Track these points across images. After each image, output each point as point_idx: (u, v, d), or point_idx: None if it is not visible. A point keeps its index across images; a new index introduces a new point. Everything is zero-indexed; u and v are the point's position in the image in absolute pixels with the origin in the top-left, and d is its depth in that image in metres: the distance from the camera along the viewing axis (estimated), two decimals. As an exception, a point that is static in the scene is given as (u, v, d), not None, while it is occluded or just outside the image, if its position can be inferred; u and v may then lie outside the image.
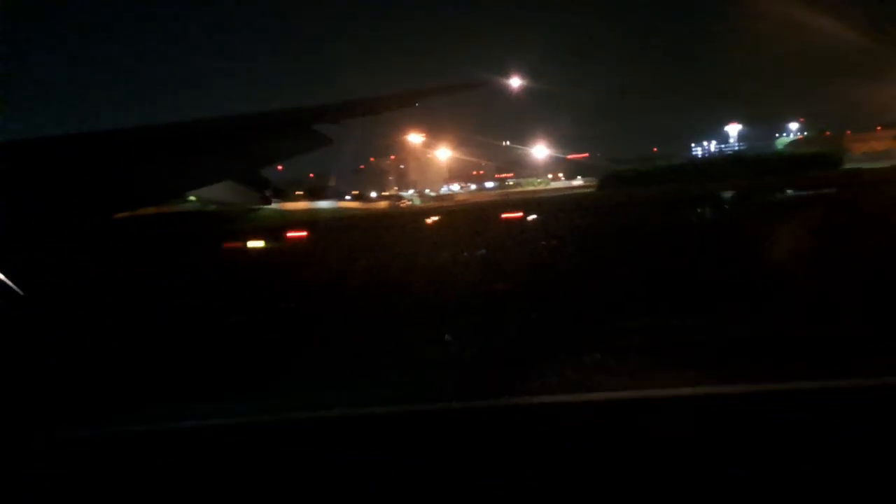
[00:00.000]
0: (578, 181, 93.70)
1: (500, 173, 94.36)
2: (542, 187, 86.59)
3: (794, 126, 77.41)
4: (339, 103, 6.32)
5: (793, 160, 39.89)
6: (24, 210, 3.78)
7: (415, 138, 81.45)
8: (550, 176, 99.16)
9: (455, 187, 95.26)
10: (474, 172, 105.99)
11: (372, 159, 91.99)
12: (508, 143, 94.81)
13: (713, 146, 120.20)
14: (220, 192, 5.86)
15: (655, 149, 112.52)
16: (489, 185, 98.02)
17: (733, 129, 72.43)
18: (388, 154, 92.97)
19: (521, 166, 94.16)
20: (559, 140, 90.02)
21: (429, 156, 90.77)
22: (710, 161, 51.79)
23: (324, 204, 55.05)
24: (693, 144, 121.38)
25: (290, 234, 24.54)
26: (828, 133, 66.15)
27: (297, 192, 57.68)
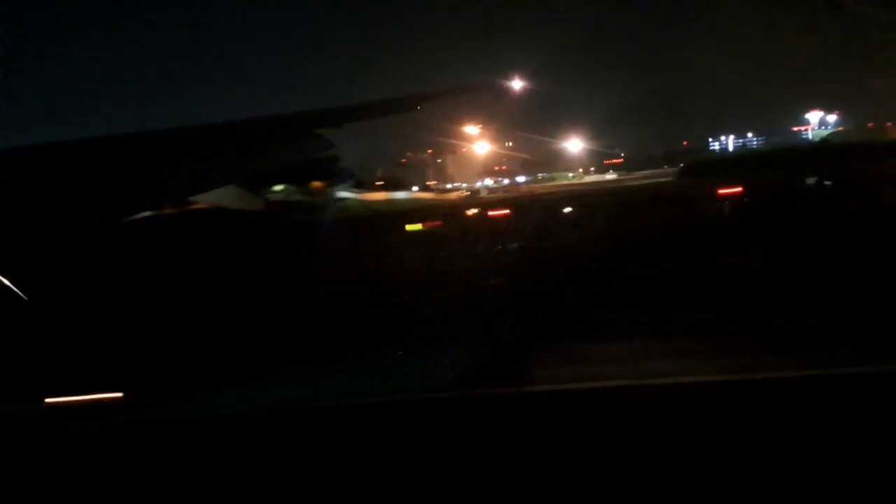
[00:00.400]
0: (611, 175, 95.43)
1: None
2: (576, 181, 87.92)
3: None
4: (341, 108, 6.35)
5: (879, 148, 41.40)
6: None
7: (452, 133, 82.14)
8: (581, 170, 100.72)
9: (488, 182, 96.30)
10: (496, 168, 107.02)
11: (409, 154, 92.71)
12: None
13: (731, 140, 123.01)
14: (221, 196, 5.80)
15: (685, 142, 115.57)
16: (521, 179, 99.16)
17: (814, 117, 73.81)
18: (426, 148, 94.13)
19: (556, 160, 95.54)
20: (585, 135, 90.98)
21: (464, 150, 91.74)
22: (789, 150, 53.03)
23: (400, 194, 55.93)
24: (710, 139, 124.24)
25: (492, 213, 25.57)
26: (870, 125, 68.04)
27: (377, 183, 58.88)
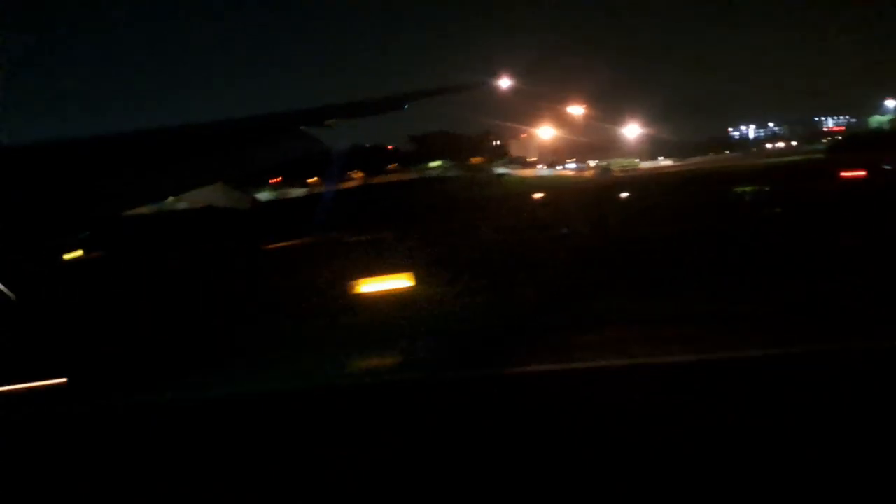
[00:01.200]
0: (664, 161, 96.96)
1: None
2: (629, 167, 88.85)
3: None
4: (322, 107, 6.51)
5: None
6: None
7: (510, 119, 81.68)
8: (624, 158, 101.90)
9: (540, 167, 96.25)
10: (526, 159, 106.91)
11: (471, 137, 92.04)
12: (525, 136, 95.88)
13: (752, 129, 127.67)
14: (208, 194, 5.93)
15: (728, 129, 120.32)
16: (571, 165, 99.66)
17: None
18: (485, 132, 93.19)
19: (612, 146, 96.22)
20: (638, 124, 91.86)
21: (524, 135, 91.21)
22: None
23: (544, 171, 55.49)
24: (730, 129, 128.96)
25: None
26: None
27: (528, 160, 57.90)
